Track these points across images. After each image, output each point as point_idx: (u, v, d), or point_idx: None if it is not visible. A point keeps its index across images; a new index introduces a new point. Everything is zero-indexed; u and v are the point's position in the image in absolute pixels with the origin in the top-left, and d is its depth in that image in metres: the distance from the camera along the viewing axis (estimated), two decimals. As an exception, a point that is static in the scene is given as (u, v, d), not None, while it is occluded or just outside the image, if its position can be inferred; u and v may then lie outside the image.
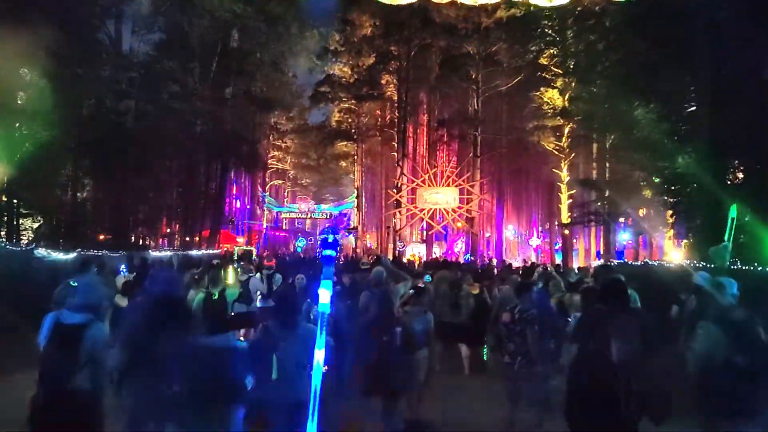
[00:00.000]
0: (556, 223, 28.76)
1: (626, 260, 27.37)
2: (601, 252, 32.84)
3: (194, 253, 23.28)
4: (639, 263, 12.30)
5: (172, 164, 28.70)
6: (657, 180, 15.23)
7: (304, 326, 4.05)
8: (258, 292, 9.31)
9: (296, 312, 4.40)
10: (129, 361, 3.96)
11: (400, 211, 33.28)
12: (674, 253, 10.97)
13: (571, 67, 23.94)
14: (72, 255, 12.15)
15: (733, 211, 9.43)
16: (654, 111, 12.85)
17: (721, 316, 5.02)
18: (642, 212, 26.96)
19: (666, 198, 14.36)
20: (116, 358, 4.01)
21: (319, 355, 2.35)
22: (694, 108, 12.58)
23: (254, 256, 22.20)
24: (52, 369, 3.84)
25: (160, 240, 31.13)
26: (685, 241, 13.75)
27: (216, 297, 6.74)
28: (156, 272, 6.02)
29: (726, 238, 9.18)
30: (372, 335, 5.08)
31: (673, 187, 13.17)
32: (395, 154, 35.87)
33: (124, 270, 10.42)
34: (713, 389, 4.62)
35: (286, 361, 3.59)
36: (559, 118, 27.34)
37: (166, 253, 19.55)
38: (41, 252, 11.95)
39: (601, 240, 34.11)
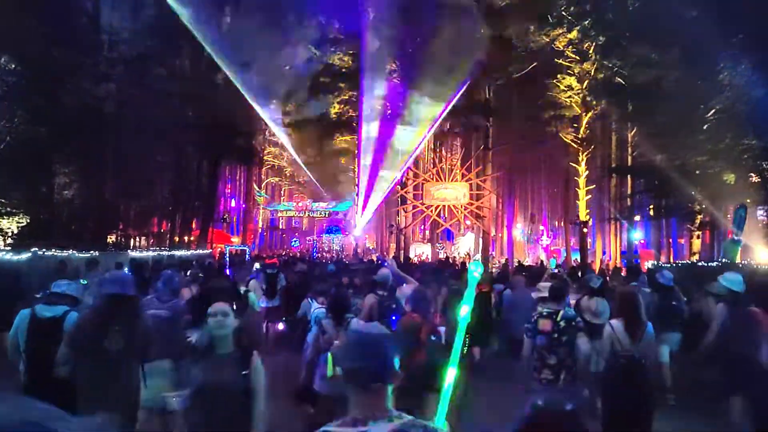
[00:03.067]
0: (577, 220, 26.67)
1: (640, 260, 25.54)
2: (616, 252, 30.94)
3: (181, 253, 21.21)
4: (714, 264, 10.23)
5: (161, 157, 26.57)
6: (720, 163, 13.07)
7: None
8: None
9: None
10: (77, 356, 4.11)
11: (405, 209, 31.13)
12: (763, 253, 9.12)
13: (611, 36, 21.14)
14: (25, 256, 10.14)
15: (743, 210, 10.00)
16: (744, 74, 10.65)
17: None
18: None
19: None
20: (61, 353, 4.16)
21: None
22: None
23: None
24: (38, 361, 4.17)
25: (151, 240, 29.02)
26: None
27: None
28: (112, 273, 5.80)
29: (734, 234, 9.53)
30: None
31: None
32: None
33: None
34: None
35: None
36: (577, 107, 25.39)
37: (147, 254, 17.49)
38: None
39: (618, 239, 32.18)
